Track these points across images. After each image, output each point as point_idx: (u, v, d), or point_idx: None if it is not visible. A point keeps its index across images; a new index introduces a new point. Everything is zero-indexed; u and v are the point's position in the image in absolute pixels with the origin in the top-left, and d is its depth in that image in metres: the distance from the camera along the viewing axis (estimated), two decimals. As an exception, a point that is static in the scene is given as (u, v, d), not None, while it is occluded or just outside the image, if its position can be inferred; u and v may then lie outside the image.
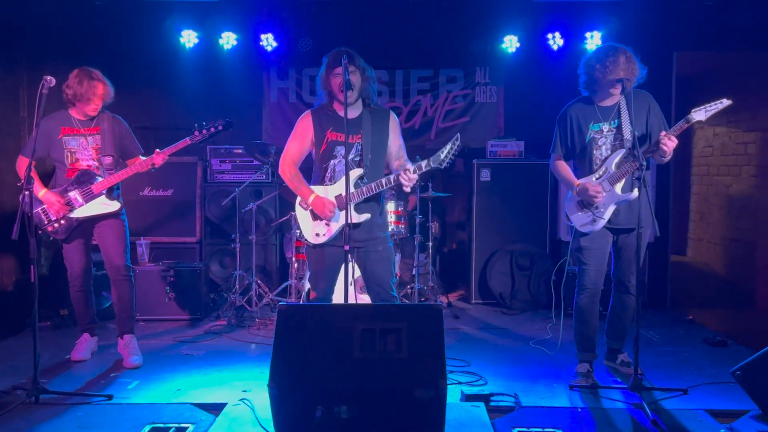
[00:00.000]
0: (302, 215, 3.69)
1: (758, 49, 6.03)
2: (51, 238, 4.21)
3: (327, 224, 3.60)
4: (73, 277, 4.31)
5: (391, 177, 3.48)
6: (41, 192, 4.11)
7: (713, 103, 3.54)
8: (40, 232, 4.15)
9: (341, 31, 6.38)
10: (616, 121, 3.75)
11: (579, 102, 3.90)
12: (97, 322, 4.59)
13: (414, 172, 3.41)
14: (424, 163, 3.42)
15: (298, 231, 5.52)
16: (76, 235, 4.23)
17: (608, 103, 3.80)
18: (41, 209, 4.14)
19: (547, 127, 5.89)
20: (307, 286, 5.17)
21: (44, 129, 4.13)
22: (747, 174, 6.76)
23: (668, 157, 3.61)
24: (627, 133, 3.69)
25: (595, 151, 3.80)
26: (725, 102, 3.55)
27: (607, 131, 3.77)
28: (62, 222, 4.15)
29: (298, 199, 3.71)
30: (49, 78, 3.69)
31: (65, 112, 4.24)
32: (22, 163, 4.18)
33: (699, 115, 3.54)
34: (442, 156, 3.37)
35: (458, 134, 3.47)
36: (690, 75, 7.22)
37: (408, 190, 3.49)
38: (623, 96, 3.71)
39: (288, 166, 3.72)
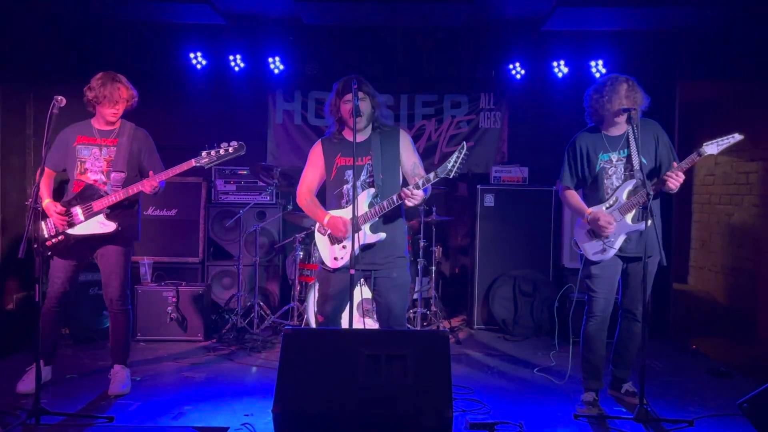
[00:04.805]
0: (321, 241, 3.68)
1: (761, 79, 6.07)
2: (49, 254, 3.97)
3: (344, 246, 3.56)
4: (49, 297, 4.02)
5: (400, 192, 3.44)
6: (45, 201, 3.93)
7: (725, 138, 3.54)
8: (36, 247, 3.85)
9: (347, 55, 6.43)
10: (624, 150, 3.76)
11: (587, 132, 3.91)
12: (56, 349, 4.25)
13: (417, 187, 3.38)
14: (431, 175, 3.39)
15: (316, 255, 5.54)
16: (69, 254, 4.01)
17: (616, 132, 3.81)
18: (44, 222, 3.97)
19: (551, 153, 5.94)
20: (313, 309, 5.14)
21: (62, 138, 4.03)
22: (749, 203, 6.77)
23: (675, 191, 3.63)
24: (636, 163, 3.70)
25: (605, 181, 3.81)
26: (737, 137, 3.55)
27: (617, 161, 3.78)
28: (61, 238, 3.94)
29: (317, 225, 3.70)
30: (59, 98, 3.69)
31: (87, 121, 4.09)
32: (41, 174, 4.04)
33: (711, 149, 3.55)
34: (449, 165, 3.35)
35: (464, 143, 3.40)
36: (693, 104, 7.27)
37: (411, 204, 3.41)
38: (631, 125, 3.72)
39: (304, 194, 3.73)
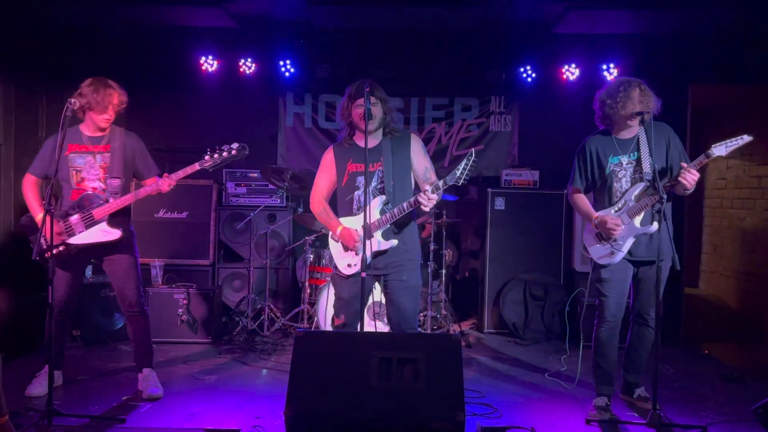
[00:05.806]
0: (334, 248, 3.69)
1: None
2: (48, 264, 3.68)
3: (357, 254, 3.56)
4: (53, 305, 3.79)
5: (411, 199, 3.45)
6: (39, 215, 3.85)
7: (734, 139, 3.49)
8: (37, 259, 3.79)
9: (358, 58, 6.45)
10: (635, 153, 3.74)
11: (598, 134, 3.90)
12: (63, 356, 4.27)
13: (433, 191, 3.39)
14: (441, 183, 3.40)
15: (326, 257, 5.55)
16: (71, 263, 3.95)
17: (627, 135, 3.80)
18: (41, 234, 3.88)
19: (562, 157, 5.94)
20: (330, 313, 5.12)
21: (50, 145, 3.93)
22: (761, 207, 6.73)
23: (690, 190, 3.59)
24: (646, 166, 3.68)
25: (615, 184, 3.79)
26: (746, 138, 3.50)
27: (627, 164, 3.76)
28: (61, 249, 3.83)
29: (331, 232, 3.71)
30: (73, 101, 3.72)
31: (75, 128, 4.00)
32: (27, 182, 3.98)
33: (719, 150, 3.50)
34: (458, 173, 3.36)
35: (472, 150, 3.41)
36: (705, 107, 7.24)
37: (427, 209, 3.43)
38: (642, 128, 3.71)
39: (317, 202, 3.76)
